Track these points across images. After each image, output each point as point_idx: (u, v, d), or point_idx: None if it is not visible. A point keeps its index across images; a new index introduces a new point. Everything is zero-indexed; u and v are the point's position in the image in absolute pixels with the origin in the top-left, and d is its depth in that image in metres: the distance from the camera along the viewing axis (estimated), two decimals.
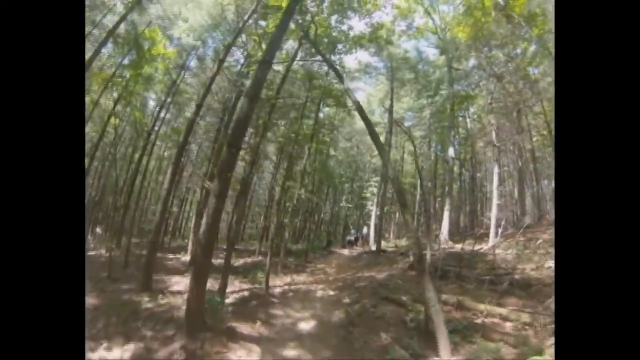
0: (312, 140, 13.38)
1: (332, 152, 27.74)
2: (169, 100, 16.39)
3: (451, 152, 17.39)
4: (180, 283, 9.79)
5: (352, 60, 44.86)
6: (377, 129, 28.06)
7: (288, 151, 16.70)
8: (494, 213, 14.18)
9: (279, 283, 10.25)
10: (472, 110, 20.88)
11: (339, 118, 29.44)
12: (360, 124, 32.07)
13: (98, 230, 20.71)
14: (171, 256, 14.19)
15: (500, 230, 12.85)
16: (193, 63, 16.97)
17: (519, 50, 16.03)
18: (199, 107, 10.67)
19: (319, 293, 8.93)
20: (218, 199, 5.76)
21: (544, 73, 17.22)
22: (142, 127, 15.77)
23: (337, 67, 16.58)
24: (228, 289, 9.51)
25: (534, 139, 18.64)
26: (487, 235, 17.12)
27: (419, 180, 27.89)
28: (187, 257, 12.94)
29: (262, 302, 7.92)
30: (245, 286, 9.79)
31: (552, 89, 16.99)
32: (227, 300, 8.02)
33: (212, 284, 7.24)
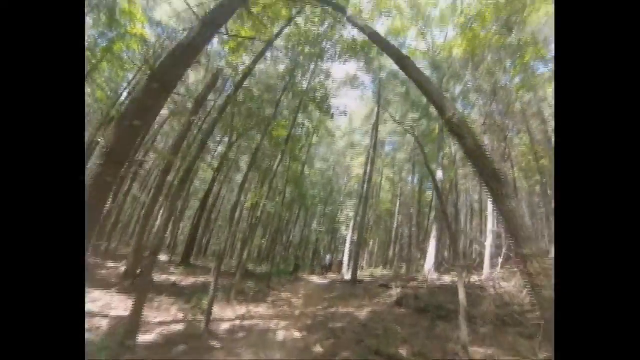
0: (287, 144, 11.17)
1: (306, 170, 25.68)
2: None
3: (440, 175, 15.61)
4: (99, 301, 7.19)
5: (340, 70, 43.32)
6: (358, 150, 26.66)
7: (258, 158, 14.48)
8: (488, 241, 12.30)
9: (229, 315, 7.68)
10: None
11: (318, 136, 27.88)
12: (339, 143, 30.54)
13: None
14: (110, 264, 11.49)
15: (500, 260, 10.89)
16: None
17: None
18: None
19: (281, 335, 6.46)
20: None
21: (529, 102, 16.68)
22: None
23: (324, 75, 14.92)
24: (157, 319, 6.91)
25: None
26: (474, 266, 15.48)
27: (397, 206, 26.24)
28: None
29: (196, 345, 5.37)
30: (181, 315, 7.19)
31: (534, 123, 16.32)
32: (146, 339, 5.46)
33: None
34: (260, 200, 11.70)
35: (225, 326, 6.75)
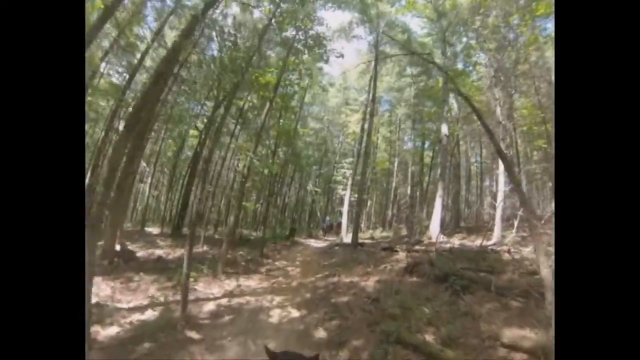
0: (276, 91, 9.61)
1: (299, 129, 24.14)
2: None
3: (444, 129, 14.23)
4: None
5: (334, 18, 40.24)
6: (353, 107, 25.01)
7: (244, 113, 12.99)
8: (499, 202, 11.22)
9: (214, 292, 6.60)
10: (463, 90, 17.94)
11: (310, 95, 26.09)
12: (334, 101, 28.73)
13: None
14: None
15: (516, 223, 9.83)
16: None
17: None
18: None
19: (275, 315, 5.39)
20: None
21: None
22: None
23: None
24: (130, 303, 5.79)
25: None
26: (481, 228, 14.58)
27: (395, 165, 25.03)
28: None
29: (167, 340, 4.24)
30: (161, 297, 6.07)
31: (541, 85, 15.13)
32: (108, 333, 4.32)
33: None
34: (251, 160, 10.37)
35: (209, 307, 5.64)
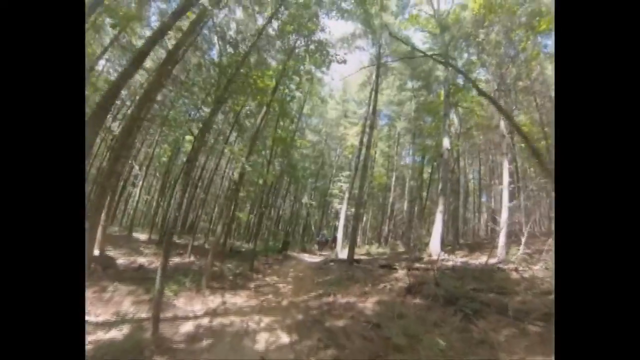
0: (274, 95, 9.07)
1: (297, 140, 23.62)
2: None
3: (446, 143, 13.76)
4: None
5: (336, 28, 40.37)
6: (352, 120, 24.61)
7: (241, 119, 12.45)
8: (504, 218, 10.65)
9: (196, 309, 5.87)
10: (465, 104, 17.67)
11: (309, 107, 25.77)
12: (333, 113, 28.39)
13: None
14: None
15: (523, 239, 9.22)
16: None
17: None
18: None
19: (262, 340, 4.69)
20: None
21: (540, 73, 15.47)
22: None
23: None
24: (99, 317, 5.07)
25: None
26: (481, 245, 13.99)
27: (393, 180, 24.50)
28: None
29: None
30: (136, 311, 5.35)
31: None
32: None
33: None
34: (244, 167, 9.75)
35: (186, 327, 4.92)
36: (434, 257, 11.36)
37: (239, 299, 6.71)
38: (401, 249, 17.88)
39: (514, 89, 14.94)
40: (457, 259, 11.28)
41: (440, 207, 12.58)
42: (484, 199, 24.97)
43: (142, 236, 15.07)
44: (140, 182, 19.70)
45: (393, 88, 22.50)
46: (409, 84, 21.76)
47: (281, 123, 11.70)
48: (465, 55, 17.72)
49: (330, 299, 6.80)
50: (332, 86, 24.97)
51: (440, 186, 13.35)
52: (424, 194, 20.94)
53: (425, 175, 22.26)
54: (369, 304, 6.26)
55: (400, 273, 9.17)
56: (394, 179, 23.71)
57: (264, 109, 9.08)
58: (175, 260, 10.06)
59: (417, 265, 10.07)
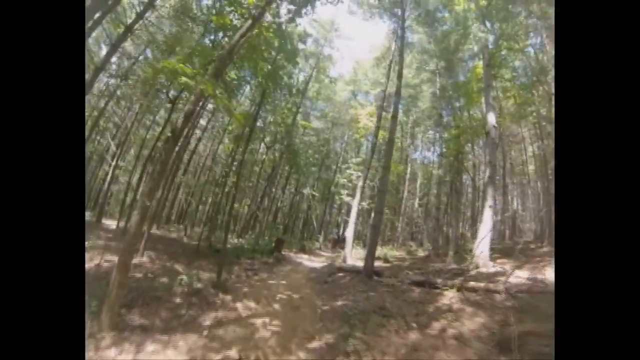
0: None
1: (301, 122, 20.15)
2: None
3: (492, 119, 10.23)
4: None
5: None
6: (363, 102, 21.06)
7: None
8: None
9: None
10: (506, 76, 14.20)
11: (314, 90, 22.33)
12: (342, 95, 24.88)
13: None
14: None
15: None
16: None
17: None
18: None
19: None
20: None
21: None
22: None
23: None
24: None
25: None
26: (516, 251, 10.58)
27: (408, 172, 21.00)
28: None
29: None
30: None
31: None
32: None
33: None
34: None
35: None
36: (484, 269, 7.96)
37: (168, 354, 3.28)
38: (421, 252, 14.43)
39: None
40: (514, 271, 7.79)
41: (490, 201, 9.08)
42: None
43: (114, 223, 11.72)
44: (114, 161, 16.19)
45: (411, 68, 18.96)
46: (430, 65, 18.24)
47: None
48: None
49: None
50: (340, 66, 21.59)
51: (487, 172, 9.81)
52: (442, 191, 17.31)
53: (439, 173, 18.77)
54: None
55: (450, 296, 5.82)
56: (409, 170, 20.28)
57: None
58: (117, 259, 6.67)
59: (469, 282, 6.67)
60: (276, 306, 5.16)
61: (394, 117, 10.21)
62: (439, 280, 6.85)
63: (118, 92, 15.71)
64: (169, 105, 12.07)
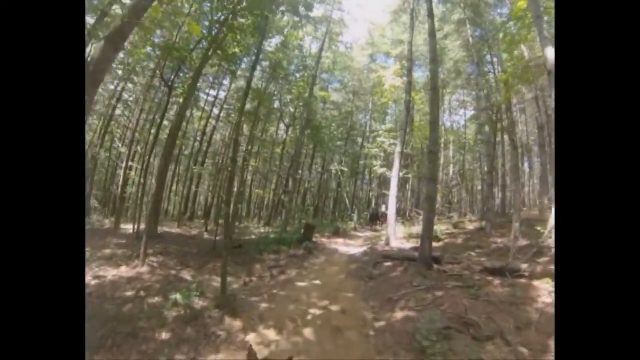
0: None
1: (319, 93, 18.17)
2: None
3: (550, 54, 7.84)
4: None
5: None
6: (381, 64, 18.65)
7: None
8: None
9: None
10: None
11: (330, 60, 20.05)
12: (360, 60, 22.57)
13: None
14: None
15: None
16: None
17: None
18: None
19: None
20: None
21: None
22: None
23: None
24: None
25: None
26: None
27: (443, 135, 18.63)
28: None
29: None
30: None
31: None
32: None
33: None
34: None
35: None
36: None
37: None
38: (468, 224, 12.43)
39: None
40: None
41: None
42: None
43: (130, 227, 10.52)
44: (124, 162, 15.02)
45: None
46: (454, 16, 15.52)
47: None
48: None
49: None
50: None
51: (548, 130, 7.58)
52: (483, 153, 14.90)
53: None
54: None
55: (549, 289, 4.09)
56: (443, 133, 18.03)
57: None
58: (111, 273, 5.30)
59: (547, 264, 4.84)
60: (307, 332, 3.49)
61: (434, 78, 7.86)
62: (523, 266, 4.99)
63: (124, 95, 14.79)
64: (165, 89, 10.57)
